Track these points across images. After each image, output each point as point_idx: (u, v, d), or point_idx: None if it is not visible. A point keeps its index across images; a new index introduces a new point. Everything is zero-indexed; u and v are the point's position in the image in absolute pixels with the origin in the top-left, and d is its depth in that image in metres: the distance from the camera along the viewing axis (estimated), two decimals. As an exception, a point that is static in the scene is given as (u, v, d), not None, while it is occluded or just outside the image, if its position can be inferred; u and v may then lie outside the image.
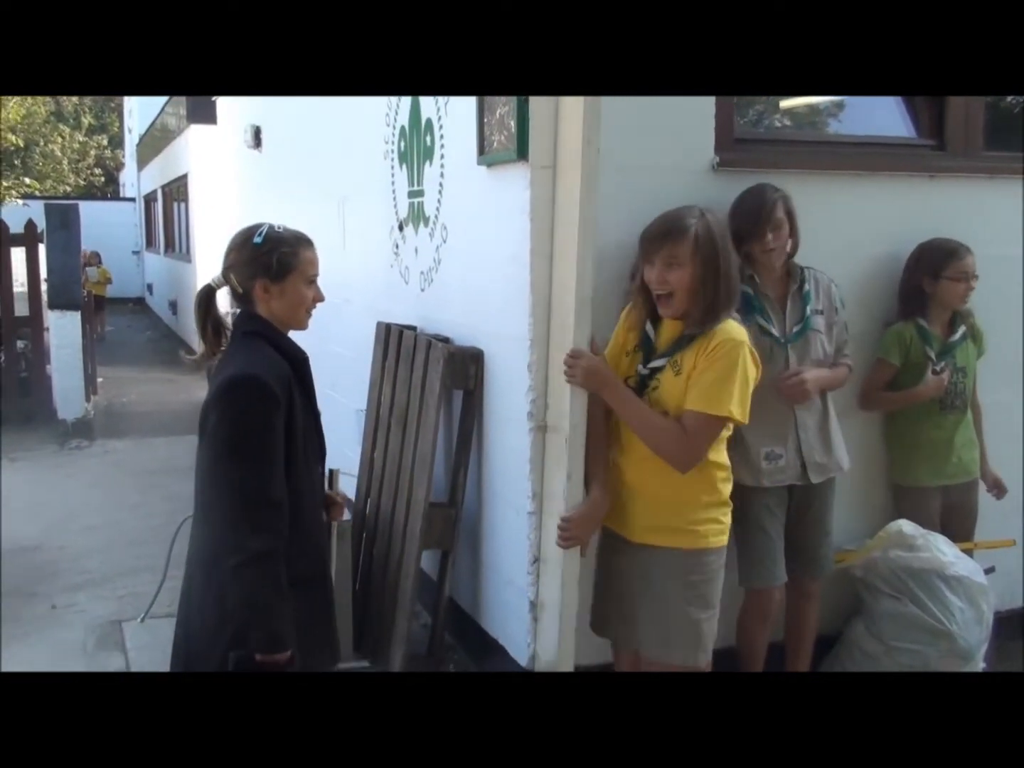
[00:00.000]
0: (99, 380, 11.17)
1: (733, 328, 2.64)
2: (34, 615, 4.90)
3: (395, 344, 4.45)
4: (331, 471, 2.83)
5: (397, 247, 4.78)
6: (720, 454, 2.73)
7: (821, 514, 3.49)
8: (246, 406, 2.23)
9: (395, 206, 4.77)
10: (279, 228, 2.42)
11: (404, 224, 4.65)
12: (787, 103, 4.04)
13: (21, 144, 20.25)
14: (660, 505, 2.72)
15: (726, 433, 2.73)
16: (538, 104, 3.11)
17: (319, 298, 2.50)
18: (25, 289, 9.52)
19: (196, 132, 13.08)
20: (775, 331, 3.32)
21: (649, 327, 2.78)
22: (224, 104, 10.39)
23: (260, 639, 2.18)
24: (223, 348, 2.45)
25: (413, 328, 4.39)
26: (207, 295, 2.46)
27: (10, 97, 16.52)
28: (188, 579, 2.43)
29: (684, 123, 3.34)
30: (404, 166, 4.62)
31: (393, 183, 4.77)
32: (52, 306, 9.14)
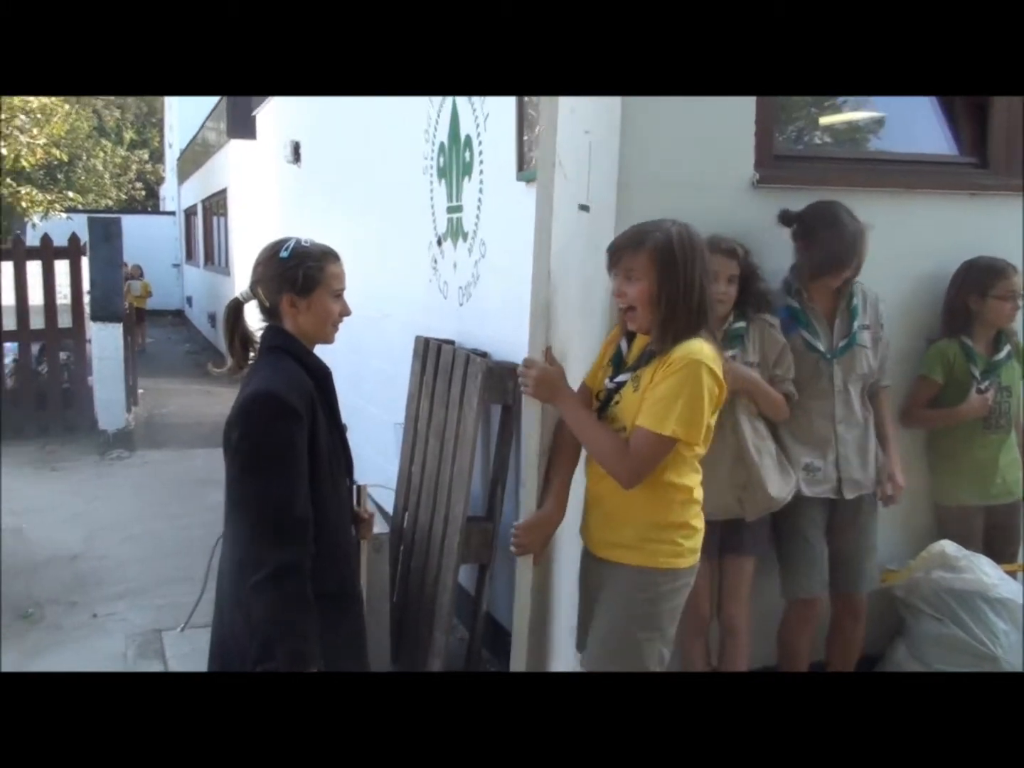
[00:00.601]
0: (139, 391, 11.29)
1: (695, 346, 2.49)
2: (75, 623, 4.96)
3: (433, 358, 4.47)
4: (358, 487, 2.83)
5: (436, 262, 4.81)
6: (681, 476, 2.59)
7: (864, 528, 3.47)
8: (267, 422, 2.23)
9: (434, 221, 4.80)
10: (306, 242, 2.42)
11: (443, 239, 4.68)
12: (827, 119, 4.03)
13: (65, 159, 20.50)
14: (614, 520, 2.66)
15: (689, 454, 2.59)
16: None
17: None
18: (68, 301, 9.62)
19: (236, 147, 13.20)
20: (821, 346, 3.31)
21: (624, 342, 2.72)
22: (264, 119, 10.49)
23: (284, 656, 2.16)
24: (251, 362, 2.46)
25: (451, 342, 4.42)
26: (235, 309, 2.48)
27: (55, 112, 16.76)
28: (219, 591, 2.44)
29: (722, 139, 3.33)
30: (443, 181, 4.65)
31: (432, 198, 4.80)
32: (94, 318, 9.25)
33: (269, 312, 2.43)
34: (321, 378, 2.43)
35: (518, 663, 3.14)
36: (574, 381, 2.87)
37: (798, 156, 3.73)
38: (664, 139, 3.18)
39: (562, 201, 2.93)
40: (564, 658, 3.17)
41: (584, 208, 3.03)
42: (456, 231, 4.48)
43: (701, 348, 2.49)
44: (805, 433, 3.34)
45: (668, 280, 2.50)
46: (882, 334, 3.44)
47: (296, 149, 8.39)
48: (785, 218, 3.33)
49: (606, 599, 2.67)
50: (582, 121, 3.00)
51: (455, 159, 4.45)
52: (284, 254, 2.38)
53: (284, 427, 2.23)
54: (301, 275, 2.36)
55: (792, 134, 3.93)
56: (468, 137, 4.24)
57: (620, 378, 2.65)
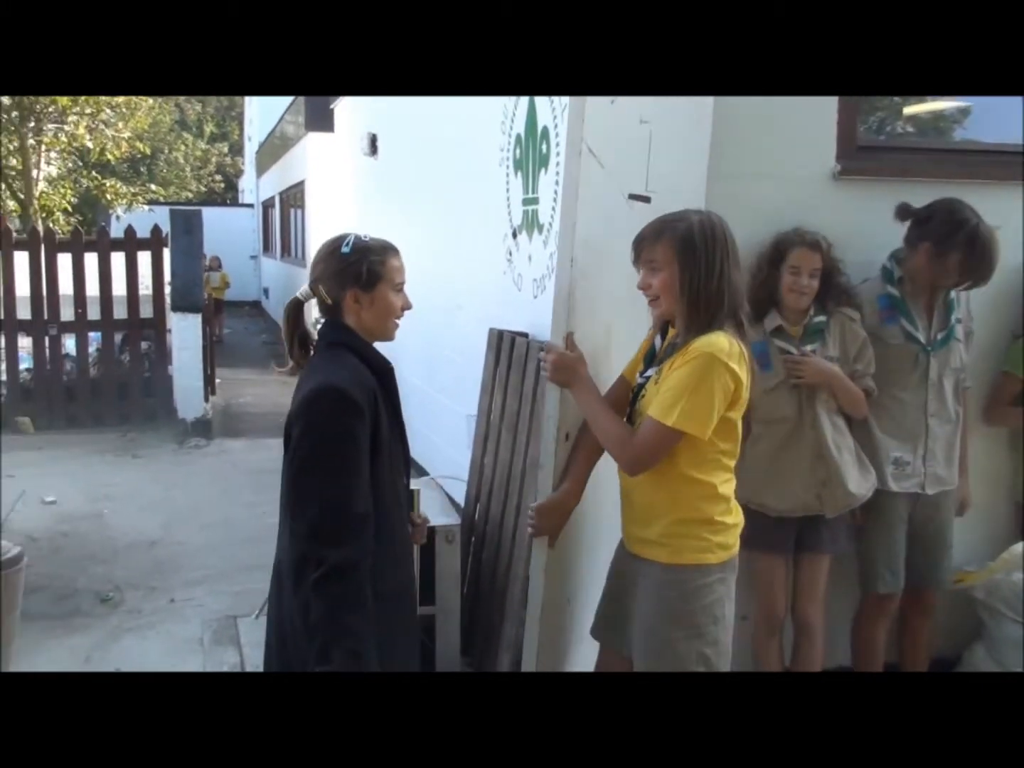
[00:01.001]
0: (217, 381, 11.49)
1: (714, 340, 2.43)
2: (154, 608, 5.07)
3: (507, 350, 4.47)
4: (412, 491, 2.78)
5: (510, 254, 4.80)
6: (703, 472, 2.53)
7: (943, 525, 3.42)
8: (330, 417, 2.21)
9: (509, 213, 4.79)
10: (365, 237, 2.40)
11: (518, 231, 4.67)
12: (911, 109, 3.93)
13: (148, 152, 20.96)
14: (641, 516, 2.63)
15: (710, 451, 2.52)
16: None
17: (407, 306, 2.47)
18: (150, 292, 9.80)
19: (314, 140, 13.34)
20: (921, 337, 3.26)
21: (658, 338, 2.70)
22: (341, 112, 10.59)
23: (340, 656, 2.12)
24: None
25: (525, 335, 4.41)
26: (295, 308, 2.45)
27: (139, 107, 17.13)
28: (277, 584, 2.41)
29: (804, 130, 3.27)
30: (519, 173, 4.64)
31: (507, 190, 4.79)
32: (175, 308, 9.43)
33: (330, 309, 2.40)
34: (383, 374, 2.40)
35: (530, 648, 3.17)
36: (616, 371, 2.85)
37: (881, 147, 3.65)
38: (741, 130, 3.14)
39: (599, 190, 2.87)
40: (584, 645, 3.17)
41: (641, 198, 2.97)
42: (531, 223, 4.46)
43: (717, 341, 2.43)
44: (897, 426, 3.29)
45: (689, 269, 2.46)
46: (972, 327, 3.39)
47: (373, 141, 8.45)
48: (904, 213, 3.24)
49: (639, 597, 2.65)
50: (634, 110, 2.94)
51: (532, 151, 4.43)
52: (346, 249, 2.36)
53: (347, 422, 2.21)
54: (365, 270, 2.35)
55: (874, 124, 3.84)
56: (545, 129, 4.22)
57: (648, 372, 2.64)
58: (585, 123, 2.76)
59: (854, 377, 3.18)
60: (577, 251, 2.78)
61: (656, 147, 2.99)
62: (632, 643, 2.68)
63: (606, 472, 2.85)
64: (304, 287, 2.44)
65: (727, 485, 2.59)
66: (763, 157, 3.22)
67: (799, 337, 3.18)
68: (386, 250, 2.42)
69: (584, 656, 3.20)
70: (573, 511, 2.93)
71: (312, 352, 2.45)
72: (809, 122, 3.26)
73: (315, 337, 2.45)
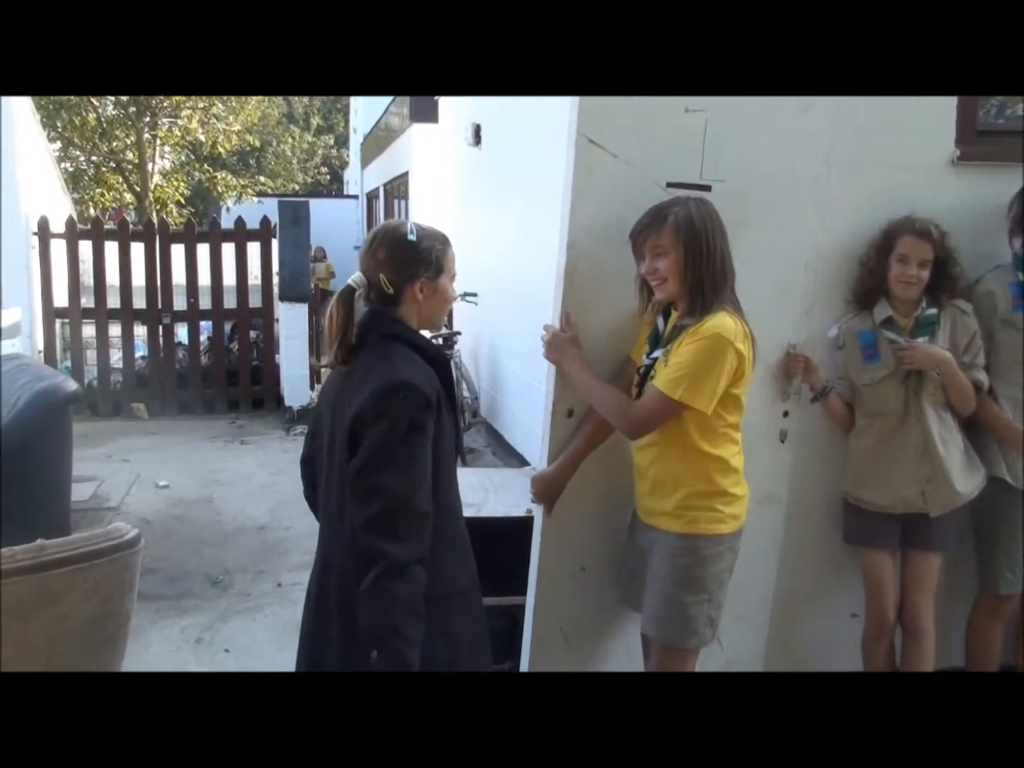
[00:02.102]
0: (322, 370, 11.66)
1: (721, 320, 2.59)
2: (261, 591, 5.19)
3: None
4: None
5: (614, 244, 4.76)
6: (715, 446, 2.70)
7: None
8: (404, 412, 2.15)
9: (613, 203, 4.75)
10: (422, 225, 2.35)
11: (622, 221, 4.63)
12: (1033, 91, 3.78)
13: (257, 144, 21.42)
14: (656, 490, 2.79)
15: (719, 423, 2.68)
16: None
17: (455, 296, 2.49)
18: (259, 282, 10.02)
19: (418, 131, 13.43)
20: None
21: (660, 320, 2.81)
22: (446, 103, 10.64)
23: (385, 656, 2.08)
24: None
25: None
26: (348, 297, 2.30)
27: (248, 100, 17.49)
28: (324, 568, 2.39)
29: (921, 115, 3.16)
30: (623, 162, 4.59)
31: (611, 179, 4.75)
32: (282, 298, 9.62)
33: (387, 299, 2.31)
34: (442, 368, 2.34)
35: (531, 619, 3.24)
36: (620, 354, 2.95)
37: (1004, 131, 3.51)
38: (855, 116, 3.05)
39: (607, 177, 2.85)
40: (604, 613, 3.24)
41: (695, 187, 2.89)
42: (635, 212, 4.42)
43: (725, 322, 2.58)
44: None
45: (693, 251, 2.62)
46: None
47: (477, 132, 8.47)
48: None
49: (654, 566, 2.80)
50: (667, 101, 2.86)
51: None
52: (412, 237, 2.29)
53: (420, 417, 2.17)
54: (434, 257, 2.31)
55: (992, 108, 3.70)
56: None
57: (655, 354, 2.75)
58: (595, 112, 2.81)
59: (962, 369, 3.07)
60: (578, 235, 2.87)
61: (727, 136, 2.92)
62: (644, 607, 2.84)
63: (619, 445, 2.96)
64: (357, 275, 2.33)
65: (737, 458, 2.76)
66: (872, 144, 3.13)
67: (908, 329, 3.09)
68: (446, 240, 2.38)
69: (601, 624, 3.26)
70: (569, 483, 3.02)
71: (358, 345, 2.32)
72: (924, 106, 3.15)
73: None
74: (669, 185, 2.87)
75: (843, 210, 3.11)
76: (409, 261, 2.30)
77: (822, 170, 3.04)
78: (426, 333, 2.45)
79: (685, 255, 2.62)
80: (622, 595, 3.08)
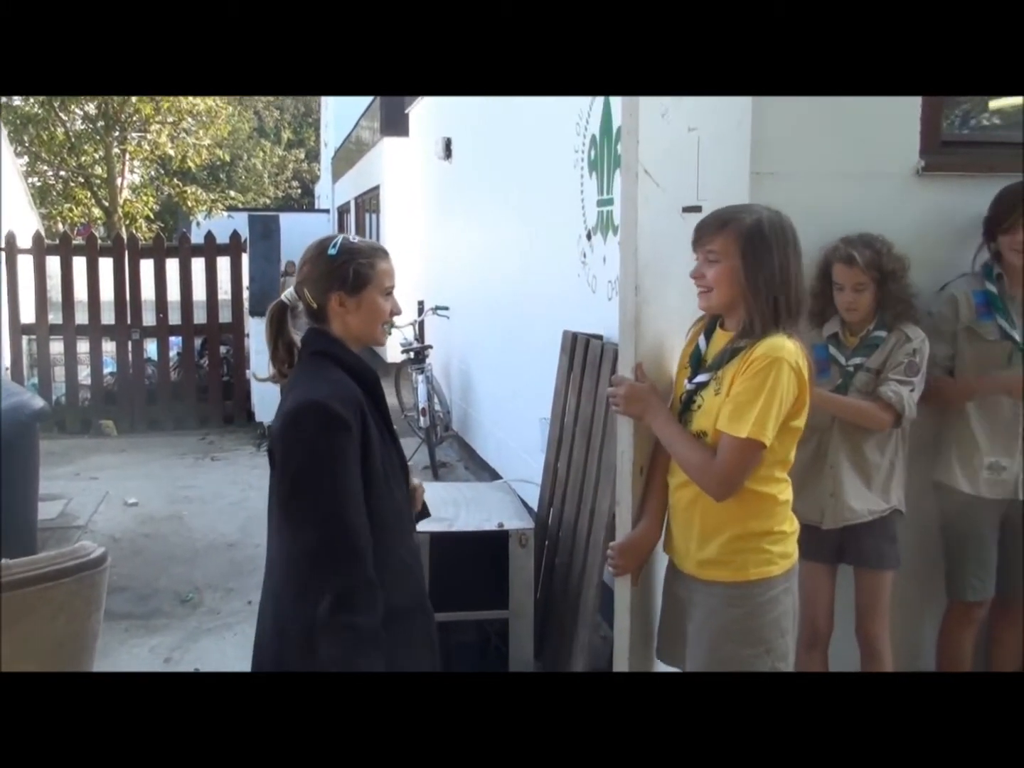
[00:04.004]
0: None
1: (778, 343, 2.33)
2: (231, 609, 5.12)
3: (581, 353, 4.43)
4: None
5: (585, 256, 4.77)
6: (766, 484, 2.43)
7: None
8: (315, 435, 2.09)
9: (583, 215, 4.76)
10: (354, 239, 2.31)
11: (592, 233, 4.64)
12: (996, 103, 3.81)
13: (227, 159, 21.37)
14: (697, 535, 2.50)
15: (772, 459, 2.43)
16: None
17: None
18: (229, 297, 9.95)
19: (389, 144, 13.45)
20: (1017, 335, 3.12)
21: (702, 339, 2.56)
22: (416, 117, 10.65)
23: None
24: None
25: (599, 337, 4.37)
26: (279, 313, 2.33)
27: (218, 114, 17.45)
28: (264, 607, 2.32)
29: (885, 125, 3.18)
30: (594, 175, 4.60)
31: (582, 192, 4.76)
32: (253, 313, 9.54)
33: (315, 314, 2.29)
34: (370, 383, 2.28)
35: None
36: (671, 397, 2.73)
37: (968, 141, 3.54)
38: (820, 126, 3.06)
39: (655, 210, 2.78)
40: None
41: (694, 209, 2.84)
42: (606, 224, 4.43)
43: (784, 344, 2.33)
44: (991, 428, 3.18)
45: (755, 264, 2.35)
46: None
47: (448, 145, 8.48)
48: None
49: (701, 620, 2.52)
50: (682, 119, 2.85)
51: (607, 152, 4.40)
52: (332, 251, 2.26)
53: (333, 439, 2.10)
54: (351, 272, 2.24)
55: (957, 119, 3.73)
56: (620, 129, 4.19)
57: (700, 378, 2.49)
58: (640, 143, 2.69)
59: (879, 384, 3.02)
60: (640, 277, 2.69)
61: (704, 153, 2.92)
62: (689, 665, 2.57)
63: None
64: (289, 290, 2.33)
65: (786, 493, 2.50)
66: (837, 153, 3.14)
67: (852, 348, 3.09)
68: (375, 252, 2.31)
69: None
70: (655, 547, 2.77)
71: (296, 360, 2.33)
72: (889, 116, 3.17)
73: (299, 344, 2.34)
74: (684, 210, 2.81)
75: (807, 221, 3.10)
76: (325, 276, 2.26)
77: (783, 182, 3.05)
78: (397, 348, 2.42)
79: (745, 268, 2.36)
80: (658, 650, 2.78)
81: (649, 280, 2.72)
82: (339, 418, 2.10)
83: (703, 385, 2.48)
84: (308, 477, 2.09)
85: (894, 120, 3.19)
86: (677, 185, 2.81)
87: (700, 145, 2.88)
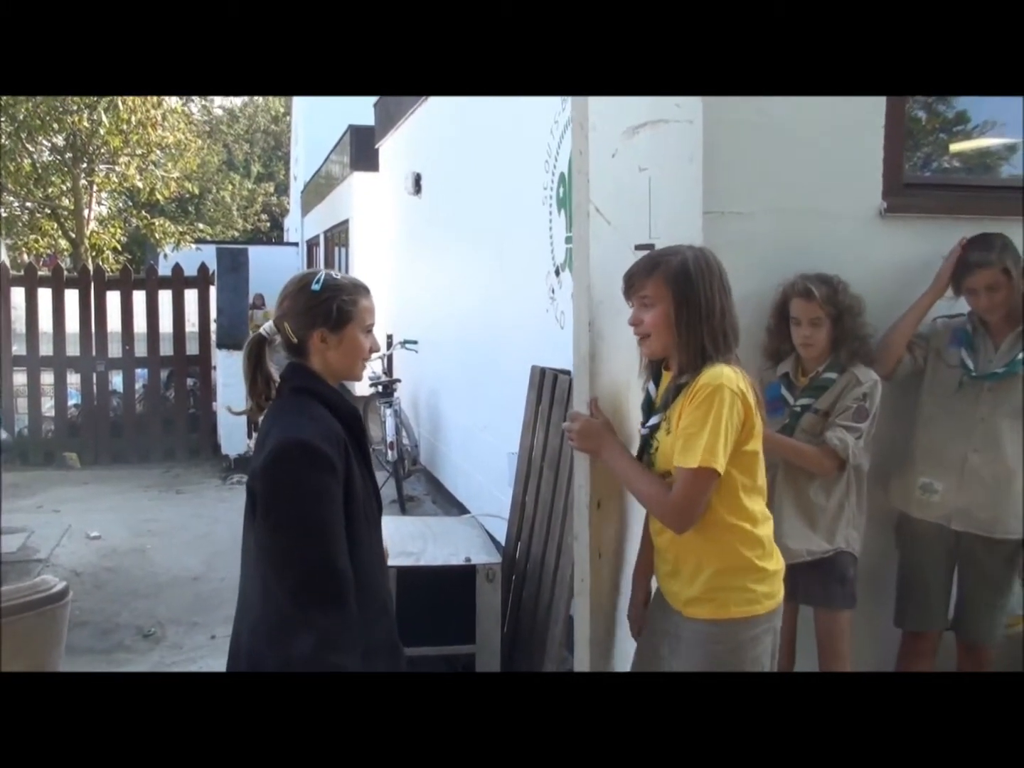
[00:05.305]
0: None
1: (716, 371, 2.36)
2: (195, 644, 5.07)
3: (549, 388, 4.46)
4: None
5: (553, 292, 4.81)
6: (737, 514, 2.44)
7: (992, 575, 3.23)
8: (300, 475, 2.08)
9: (552, 251, 4.80)
10: (337, 275, 2.31)
11: (561, 269, 4.68)
12: (957, 146, 3.90)
13: (196, 192, 21.31)
14: (679, 573, 2.53)
15: (738, 488, 2.44)
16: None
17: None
18: (196, 329, 9.92)
19: (359, 179, 13.49)
20: (970, 363, 3.14)
21: (651, 384, 2.61)
22: (386, 152, 10.70)
23: None
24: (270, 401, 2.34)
25: (567, 372, 4.39)
26: (258, 346, 2.33)
27: (187, 147, 17.42)
28: (236, 640, 2.29)
29: (849, 166, 3.23)
30: (562, 212, 4.65)
31: (551, 229, 4.80)
32: (220, 345, 9.52)
33: (295, 349, 2.29)
34: (351, 420, 2.28)
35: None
36: (635, 431, 2.74)
37: (930, 184, 3.60)
38: (783, 165, 3.11)
39: (607, 247, 2.79)
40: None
41: (647, 247, 2.86)
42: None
43: (722, 372, 2.36)
44: (933, 451, 3.19)
45: (686, 303, 2.40)
46: None
47: (417, 181, 8.53)
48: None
49: (682, 654, 2.54)
50: (633, 159, 2.87)
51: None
52: (316, 287, 2.25)
53: (318, 479, 2.09)
54: (334, 309, 2.24)
55: (919, 161, 3.81)
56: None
57: (652, 421, 2.53)
58: (590, 182, 2.70)
59: (827, 427, 3.03)
60: (594, 314, 2.70)
61: (657, 191, 2.94)
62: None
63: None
64: (268, 324, 2.34)
65: (764, 527, 2.51)
66: (801, 192, 3.18)
67: (802, 388, 3.10)
68: (357, 289, 2.31)
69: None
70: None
71: (275, 394, 2.32)
72: (852, 158, 3.22)
73: (277, 379, 2.33)
74: (636, 247, 2.83)
75: (768, 260, 3.14)
76: (308, 311, 2.25)
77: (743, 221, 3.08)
78: (366, 381, 2.42)
79: (677, 309, 2.41)
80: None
81: (603, 317, 2.74)
82: (325, 458, 2.10)
83: (656, 427, 2.51)
84: (292, 516, 2.07)
85: (855, 162, 3.24)
86: (629, 224, 2.84)
87: (651, 184, 2.91)
